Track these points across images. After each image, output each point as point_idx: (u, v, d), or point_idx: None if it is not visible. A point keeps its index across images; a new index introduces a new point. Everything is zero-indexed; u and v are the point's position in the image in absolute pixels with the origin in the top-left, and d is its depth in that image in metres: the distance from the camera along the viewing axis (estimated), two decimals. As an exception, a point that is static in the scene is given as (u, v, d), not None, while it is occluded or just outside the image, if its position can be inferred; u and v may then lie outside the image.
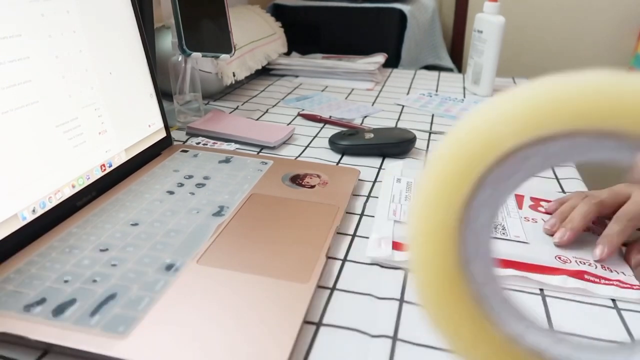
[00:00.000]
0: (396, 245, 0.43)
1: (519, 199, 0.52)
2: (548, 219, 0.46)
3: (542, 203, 0.51)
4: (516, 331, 0.20)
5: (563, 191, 0.56)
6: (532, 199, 0.52)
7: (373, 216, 0.48)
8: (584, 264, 0.41)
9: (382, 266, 0.41)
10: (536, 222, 0.48)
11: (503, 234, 0.45)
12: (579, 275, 0.40)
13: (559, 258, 0.42)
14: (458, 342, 0.21)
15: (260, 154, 0.63)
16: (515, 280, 0.40)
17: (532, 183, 0.56)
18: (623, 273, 0.40)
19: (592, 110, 0.17)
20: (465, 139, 0.19)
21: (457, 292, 0.20)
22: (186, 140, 0.68)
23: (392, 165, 0.58)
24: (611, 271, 0.40)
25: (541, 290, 0.39)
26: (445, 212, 0.19)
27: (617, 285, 0.39)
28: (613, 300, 0.38)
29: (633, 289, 0.39)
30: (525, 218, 0.48)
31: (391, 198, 0.50)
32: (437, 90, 0.96)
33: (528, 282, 0.39)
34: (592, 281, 0.39)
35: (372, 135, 0.64)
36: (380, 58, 1.04)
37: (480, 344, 0.20)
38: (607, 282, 0.39)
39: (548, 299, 0.38)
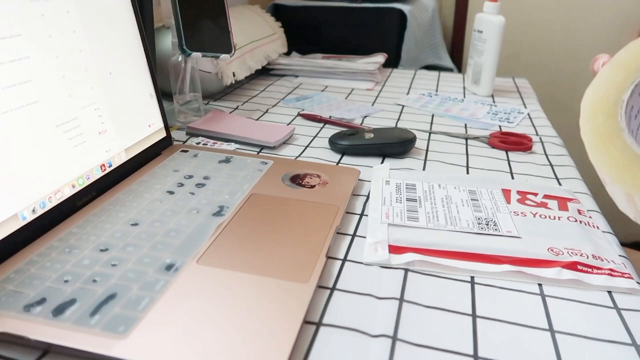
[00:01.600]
0: (392, 249, 0.43)
1: (507, 194, 0.52)
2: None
3: (529, 196, 0.52)
4: None
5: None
6: (518, 192, 0.52)
7: (373, 216, 0.48)
8: (576, 254, 0.42)
9: (382, 266, 0.41)
10: (525, 215, 0.48)
11: (495, 229, 0.45)
12: (572, 266, 0.40)
13: (552, 250, 0.42)
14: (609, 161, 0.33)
15: (260, 154, 0.63)
16: (511, 276, 0.40)
17: (520, 179, 0.57)
18: (613, 261, 0.41)
19: None
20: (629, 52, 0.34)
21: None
22: (186, 140, 0.68)
23: (379, 167, 0.58)
24: (602, 260, 0.41)
25: (541, 290, 0.39)
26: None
27: (609, 274, 0.40)
28: (613, 300, 0.38)
29: (624, 277, 0.40)
30: (514, 212, 0.48)
31: (382, 201, 0.50)
32: (437, 90, 0.97)
33: (524, 277, 0.40)
34: (585, 271, 0.40)
35: (372, 135, 0.64)
36: (380, 58, 1.04)
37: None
38: (599, 271, 0.40)
39: (548, 299, 0.38)
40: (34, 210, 0.41)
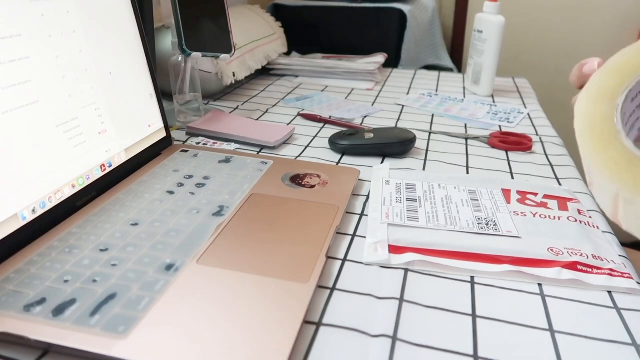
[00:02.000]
0: (392, 249, 0.43)
1: (507, 194, 0.52)
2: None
3: (529, 196, 0.52)
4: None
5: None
6: (518, 192, 0.52)
7: (373, 216, 0.48)
8: (576, 254, 0.42)
9: (382, 266, 0.41)
10: (525, 215, 0.48)
11: (495, 229, 0.45)
12: (572, 266, 0.40)
13: (552, 250, 0.42)
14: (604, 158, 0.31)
15: (260, 154, 0.63)
16: (511, 276, 0.40)
17: (520, 179, 0.57)
18: (613, 261, 0.41)
19: None
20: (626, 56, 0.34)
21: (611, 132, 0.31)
22: (186, 140, 0.68)
23: (379, 167, 0.58)
24: (602, 260, 0.41)
25: (541, 290, 0.39)
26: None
27: (609, 274, 0.40)
28: (613, 300, 0.38)
29: (624, 277, 0.40)
30: (514, 212, 0.48)
31: (382, 201, 0.50)
32: (437, 90, 0.97)
33: (524, 277, 0.40)
34: (585, 271, 0.40)
35: (372, 135, 0.64)
36: (380, 58, 1.04)
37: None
38: (599, 271, 0.40)
39: (547, 299, 0.38)
40: (34, 210, 0.41)
